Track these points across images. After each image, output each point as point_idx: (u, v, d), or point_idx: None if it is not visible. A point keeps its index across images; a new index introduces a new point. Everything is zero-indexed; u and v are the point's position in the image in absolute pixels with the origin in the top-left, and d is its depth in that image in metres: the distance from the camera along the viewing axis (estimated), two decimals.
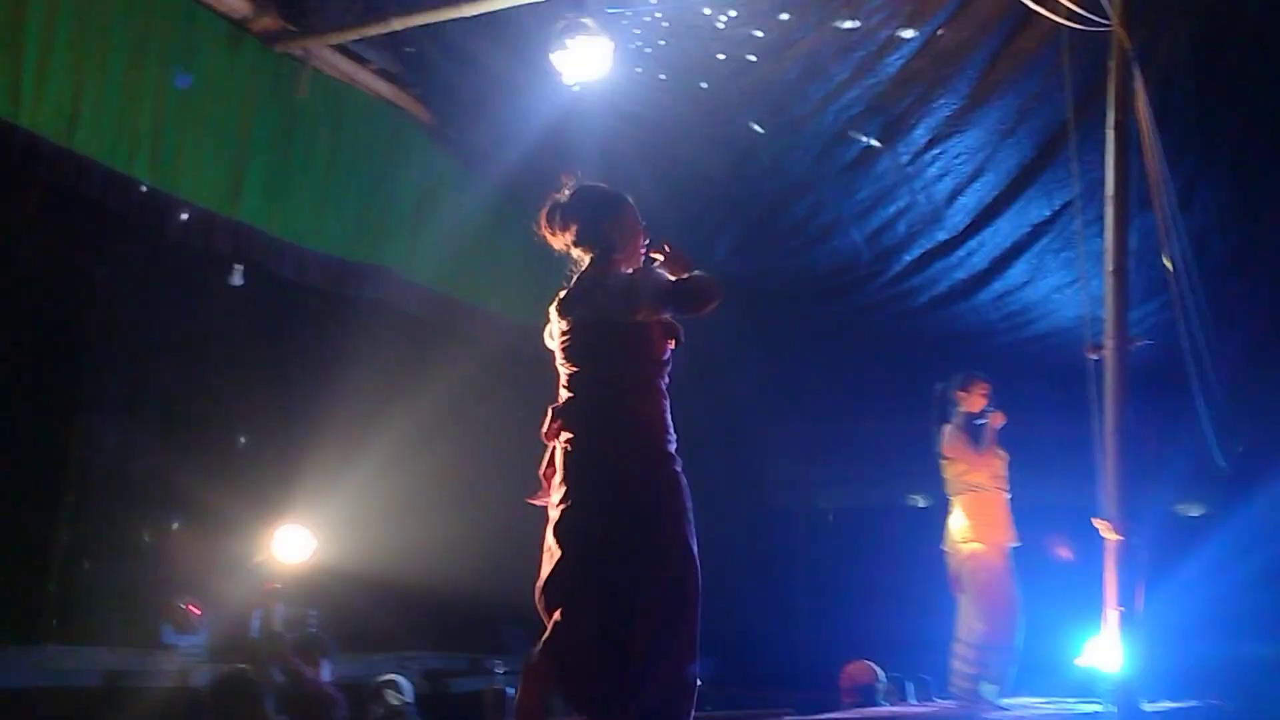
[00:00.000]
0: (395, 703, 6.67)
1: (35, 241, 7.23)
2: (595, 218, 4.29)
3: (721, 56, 7.10)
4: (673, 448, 4.11)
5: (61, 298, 7.49)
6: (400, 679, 6.93)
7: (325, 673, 6.63)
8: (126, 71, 6.87)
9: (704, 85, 7.37)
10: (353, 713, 6.54)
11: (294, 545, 6.60)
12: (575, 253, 4.33)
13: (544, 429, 4.16)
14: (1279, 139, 7.31)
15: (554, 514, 3.98)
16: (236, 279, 7.63)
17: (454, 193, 9.16)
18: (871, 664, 7.86)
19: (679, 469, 4.08)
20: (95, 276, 7.49)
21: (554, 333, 4.35)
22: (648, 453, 4.07)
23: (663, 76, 7.38)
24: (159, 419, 8.03)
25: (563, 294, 4.30)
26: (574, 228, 4.29)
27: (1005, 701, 7.04)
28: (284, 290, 8.12)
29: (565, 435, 4.08)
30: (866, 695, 7.55)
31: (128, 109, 6.87)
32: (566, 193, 4.33)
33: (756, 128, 7.63)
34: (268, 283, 7.90)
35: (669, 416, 4.16)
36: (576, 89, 7.34)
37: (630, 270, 4.25)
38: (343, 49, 8.07)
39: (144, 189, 6.96)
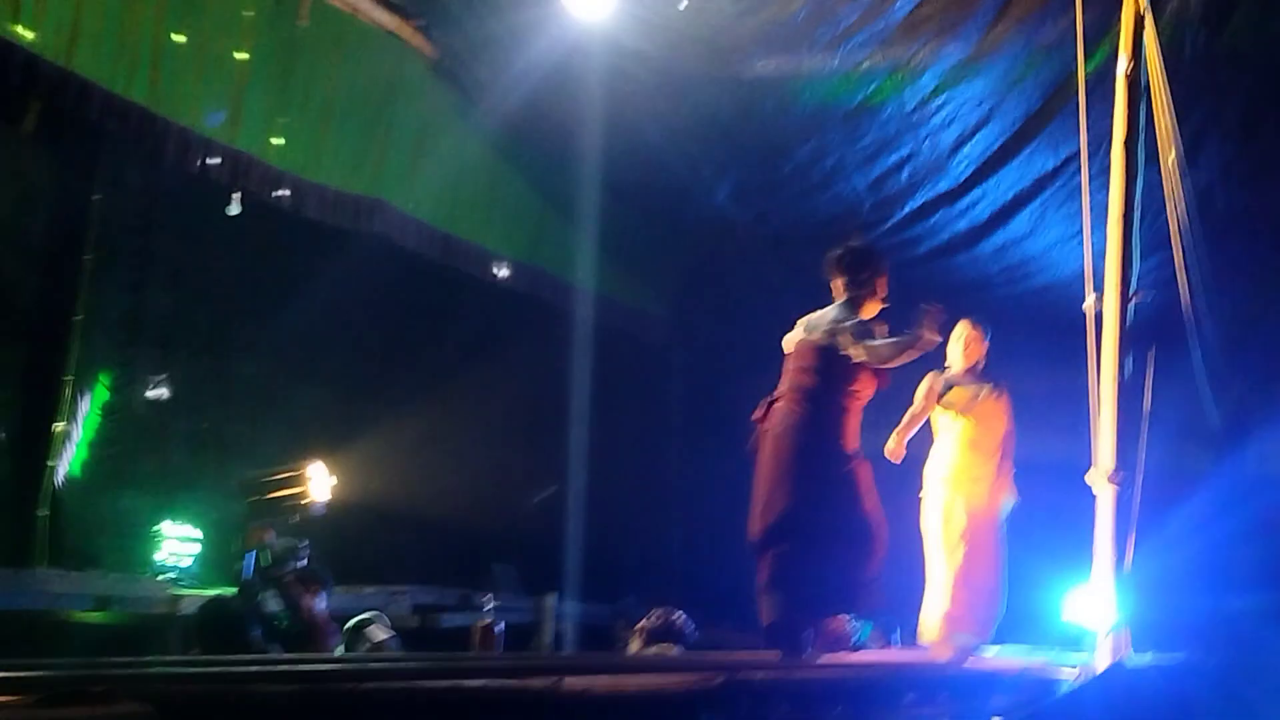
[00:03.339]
0: (383, 636, 6.68)
1: (33, 162, 7.18)
2: (865, 270, 5.62)
3: None
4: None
5: (58, 220, 7.45)
6: (380, 615, 6.94)
7: (321, 604, 6.64)
8: None
9: (711, 24, 7.28)
10: (344, 633, 6.55)
11: (318, 482, 6.55)
12: (840, 290, 5.64)
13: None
14: None
15: None
16: (234, 207, 7.56)
17: (455, 128, 9.10)
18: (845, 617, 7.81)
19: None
20: (92, 200, 7.44)
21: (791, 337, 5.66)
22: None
23: (670, 14, 7.29)
24: (154, 346, 8.01)
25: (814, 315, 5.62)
26: (850, 275, 5.61)
27: (989, 652, 7.07)
28: (281, 220, 8.07)
29: None
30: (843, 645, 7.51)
31: (127, 32, 6.80)
32: (853, 245, 5.66)
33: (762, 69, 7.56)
34: (265, 212, 7.85)
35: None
36: (583, 25, 7.27)
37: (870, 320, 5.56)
38: None
39: (142, 113, 6.90)
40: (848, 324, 5.45)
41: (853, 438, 5.61)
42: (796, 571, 5.46)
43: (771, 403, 5.68)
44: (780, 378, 5.77)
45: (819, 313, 5.70)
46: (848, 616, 7.55)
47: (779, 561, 5.53)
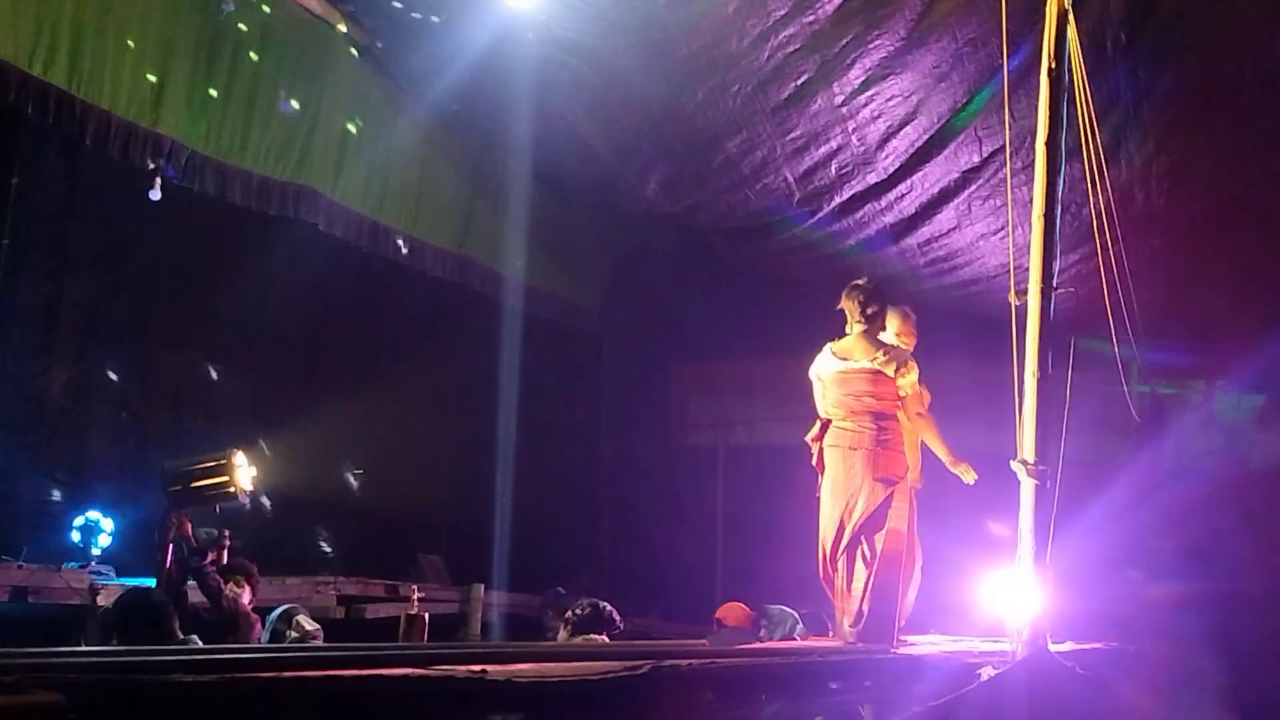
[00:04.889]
0: (310, 627, 6.63)
1: None
2: (875, 304, 6.44)
3: None
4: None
5: None
6: (297, 606, 6.89)
7: (245, 596, 6.57)
8: None
9: (642, 14, 7.28)
10: (268, 625, 6.49)
11: (241, 472, 6.45)
12: (855, 319, 6.45)
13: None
14: (1205, 98, 7.40)
15: None
16: (155, 193, 7.43)
17: (385, 115, 9.01)
18: (742, 604, 7.85)
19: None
20: (10, 185, 7.29)
21: (821, 373, 6.49)
22: None
23: (601, 3, 7.27)
24: (74, 333, 7.87)
25: (832, 346, 6.49)
26: (861, 307, 6.43)
27: (912, 639, 7.15)
28: (205, 207, 7.94)
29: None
30: (752, 634, 7.56)
31: (46, 13, 6.65)
32: (864, 283, 6.49)
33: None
34: (188, 198, 7.73)
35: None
36: (514, 13, 7.24)
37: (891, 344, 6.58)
38: None
39: (60, 95, 6.75)
40: (904, 373, 6.41)
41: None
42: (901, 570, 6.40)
43: (826, 424, 6.47)
44: (822, 400, 6.58)
45: (845, 343, 6.48)
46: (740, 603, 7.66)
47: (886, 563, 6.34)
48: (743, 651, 5.68)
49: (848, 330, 6.54)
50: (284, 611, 6.68)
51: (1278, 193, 7.91)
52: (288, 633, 6.52)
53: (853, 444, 6.40)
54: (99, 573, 7.19)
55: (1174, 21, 6.82)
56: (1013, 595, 5.71)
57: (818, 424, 6.54)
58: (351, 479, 9.35)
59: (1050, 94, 5.74)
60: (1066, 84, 5.79)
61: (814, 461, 6.57)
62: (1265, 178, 7.88)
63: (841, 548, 6.40)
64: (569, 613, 6.70)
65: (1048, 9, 5.83)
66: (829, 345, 6.53)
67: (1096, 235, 6.32)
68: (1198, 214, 8.37)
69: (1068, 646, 6.58)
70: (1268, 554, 9.65)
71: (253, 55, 7.92)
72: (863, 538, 6.37)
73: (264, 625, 6.56)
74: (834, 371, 6.47)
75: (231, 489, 6.40)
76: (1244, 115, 7.39)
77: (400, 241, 9.29)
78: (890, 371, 6.36)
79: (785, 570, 11.48)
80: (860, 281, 6.55)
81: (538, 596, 9.93)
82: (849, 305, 6.49)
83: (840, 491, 6.40)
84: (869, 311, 6.44)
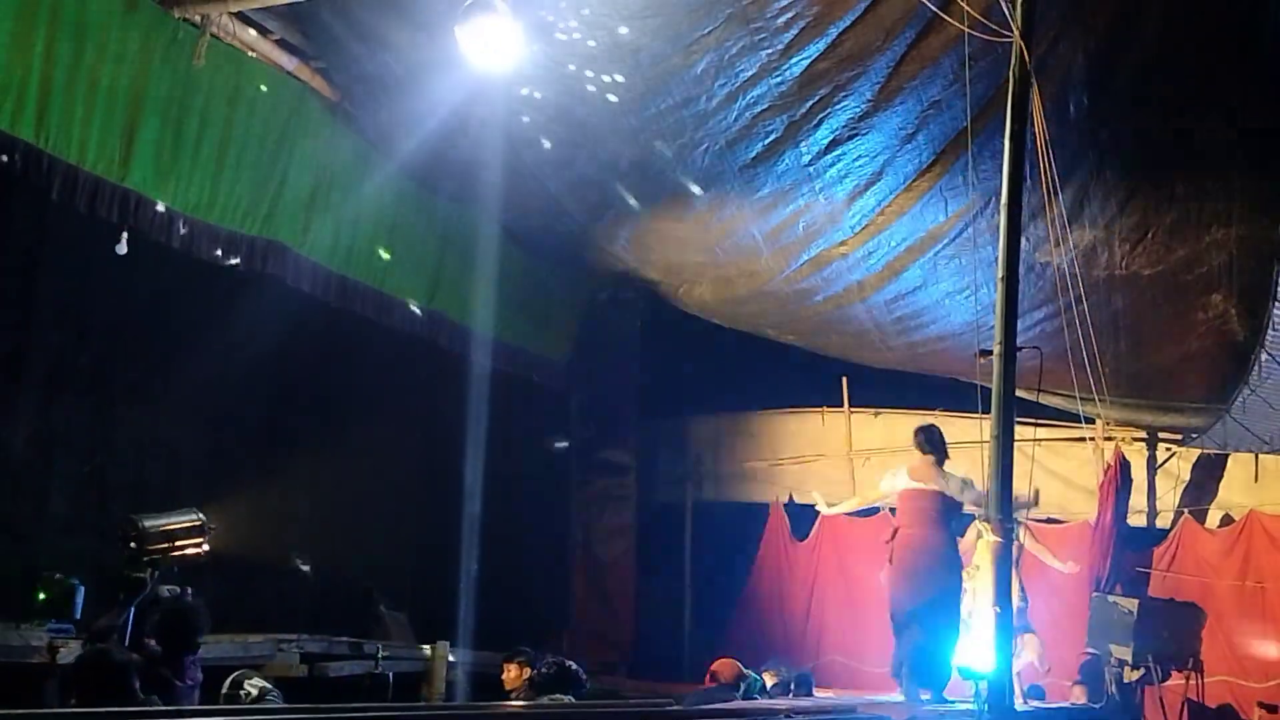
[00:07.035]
0: (266, 684, 6.52)
1: None
2: (940, 445, 7.65)
3: (630, 47, 7.08)
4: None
5: None
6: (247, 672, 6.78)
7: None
8: (14, 27, 6.64)
9: (612, 75, 7.35)
10: (220, 698, 6.37)
11: (202, 528, 6.36)
12: (922, 454, 7.65)
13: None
14: (1166, 158, 7.51)
15: None
16: (122, 247, 7.40)
17: (355, 172, 9.03)
18: (736, 661, 7.89)
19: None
20: None
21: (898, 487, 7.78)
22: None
23: (571, 65, 7.34)
24: (37, 387, 7.79)
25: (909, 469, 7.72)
26: (930, 445, 7.66)
27: (883, 698, 7.17)
28: (172, 261, 7.90)
29: None
30: (733, 690, 7.58)
31: (14, 66, 6.64)
32: (925, 427, 7.77)
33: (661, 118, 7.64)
34: (156, 252, 7.69)
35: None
36: (484, 72, 7.29)
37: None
38: (243, 16, 7.88)
39: (28, 149, 6.74)
40: (971, 492, 7.54)
41: None
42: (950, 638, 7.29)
43: (895, 530, 7.68)
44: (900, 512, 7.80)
45: (920, 469, 7.60)
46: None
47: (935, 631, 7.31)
48: (708, 712, 5.64)
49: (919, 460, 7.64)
50: (233, 679, 6.56)
51: (1235, 254, 8.01)
52: (238, 697, 6.40)
53: (923, 545, 7.54)
54: (59, 630, 7.07)
55: (1135, 86, 6.94)
56: (978, 653, 5.71)
57: (892, 529, 7.73)
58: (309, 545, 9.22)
59: (1013, 156, 5.81)
60: (1030, 146, 5.87)
61: (889, 559, 7.67)
62: (1222, 238, 8.00)
63: (911, 623, 7.37)
64: (534, 671, 6.64)
65: (1010, 72, 5.92)
66: (905, 467, 7.72)
67: (1059, 295, 6.39)
68: (1158, 274, 8.46)
69: (1032, 704, 6.59)
70: (1229, 614, 9.70)
71: (222, 109, 7.92)
72: (928, 617, 7.33)
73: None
74: (905, 488, 7.69)
75: (192, 546, 6.31)
76: (1202, 177, 7.50)
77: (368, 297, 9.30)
78: (956, 495, 7.54)
79: (752, 627, 11.48)
80: (922, 425, 7.84)
81: (502, 655, 9.85)
82: (917, 443, 7.71)
83: (912, 580, 7.49)
84: (927, 450, 7.64)
